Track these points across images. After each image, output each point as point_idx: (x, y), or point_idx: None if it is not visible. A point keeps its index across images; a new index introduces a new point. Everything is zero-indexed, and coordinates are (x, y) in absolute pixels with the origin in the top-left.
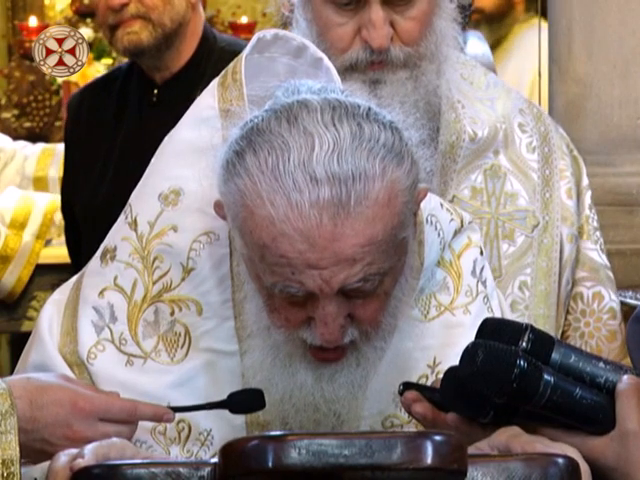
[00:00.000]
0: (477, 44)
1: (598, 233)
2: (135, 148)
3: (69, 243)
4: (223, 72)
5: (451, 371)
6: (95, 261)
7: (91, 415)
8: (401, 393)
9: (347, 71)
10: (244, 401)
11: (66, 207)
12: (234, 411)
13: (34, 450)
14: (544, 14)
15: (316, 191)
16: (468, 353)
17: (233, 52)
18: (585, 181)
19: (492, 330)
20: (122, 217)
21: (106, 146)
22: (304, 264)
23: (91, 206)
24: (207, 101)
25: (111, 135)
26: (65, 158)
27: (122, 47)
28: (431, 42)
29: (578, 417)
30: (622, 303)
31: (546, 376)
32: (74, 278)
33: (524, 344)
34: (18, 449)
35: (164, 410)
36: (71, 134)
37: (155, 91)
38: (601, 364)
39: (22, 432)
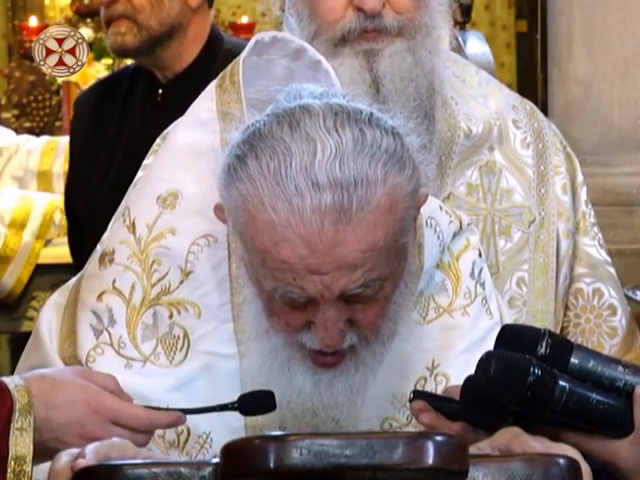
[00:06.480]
0: (477, 44)
1: (596, 229)
2: (138, 147)
3: (71, 242)
4: (221, 75)
5: (469, 381)
6: (93, 264)
7: (103, 417)
8: (410, 402)
9: (340, 44)
10: (255, 403)
11: (69, 205)
12: (245, 413)
13: (48, 449)
14: (544, 15)
15: (318, 196)
16: (482, 363)
17: (238, 54)
18: (580, 177)
19: (511, 337)
20: (120, 220)
21: (110, 144)
22: (305, 269)
23: (93, 205)
24: (205, 104)
25: (115, 134)
26: (70, 156)
27: (109, 47)
28: (424, 14)
29: (595, 422)
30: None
31: (561, 382)
32: (73, 280)
33: (542, 350)
34: (32, 448)
35: (177, 415)
36: (76, 132)
37: (160, 91)
38: (620, 368)
39: (37, 432)
